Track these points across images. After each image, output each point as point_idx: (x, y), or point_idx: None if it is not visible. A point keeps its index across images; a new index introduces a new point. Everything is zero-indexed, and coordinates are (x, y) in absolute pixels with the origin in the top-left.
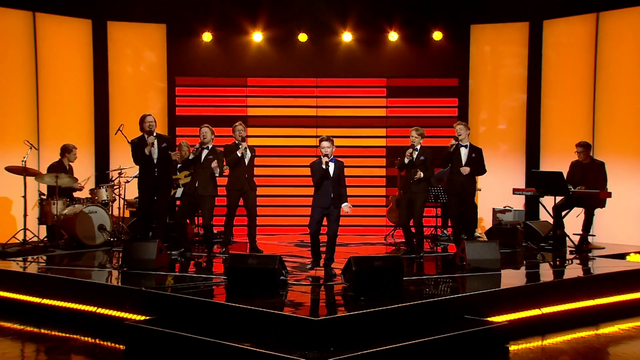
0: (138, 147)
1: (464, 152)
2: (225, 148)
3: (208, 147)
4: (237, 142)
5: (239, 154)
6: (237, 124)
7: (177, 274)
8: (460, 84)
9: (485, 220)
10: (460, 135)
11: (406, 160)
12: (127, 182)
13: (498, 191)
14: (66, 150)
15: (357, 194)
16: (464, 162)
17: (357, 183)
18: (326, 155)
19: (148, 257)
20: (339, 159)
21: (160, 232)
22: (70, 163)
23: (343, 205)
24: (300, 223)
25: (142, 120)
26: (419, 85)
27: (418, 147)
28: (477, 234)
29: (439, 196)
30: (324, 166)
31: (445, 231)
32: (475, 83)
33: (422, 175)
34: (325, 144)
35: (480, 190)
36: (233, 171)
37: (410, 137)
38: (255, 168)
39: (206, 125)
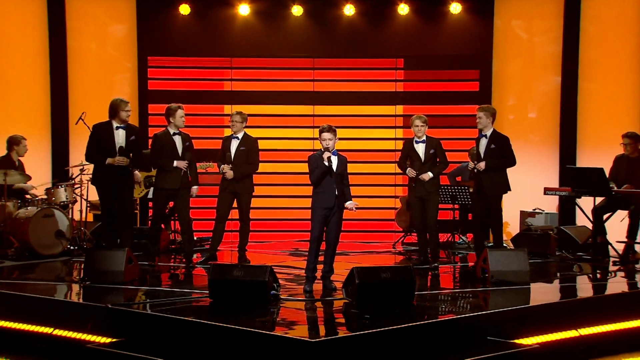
0: (101, 136)
1: (483, 142)
2: (223, 145)
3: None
4: (232, 134)
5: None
6: (233, 113)
7: (150, 288)
8: (482, 64)
9: (511, 225)
10: (480, 122)
11: (409, 173)
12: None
13: (527, 191)
14: (13, 142)
15: (360, 193)
16: (482, 155)
17: (360, 181)
18: (327, 148)
19: (115, 269)
20: (342, 154)
21: (129, 238)
22: (19, 157)
23: (347, 203)
24: (295, 228)
25: (119, 107)
26: (434, 68)
27: (424, 137)
28: None
29: (457, 196)
30: (325, 162)
31: (464, 237)
32: (499, 64)
33: (431, 175)
34: (326, 135)
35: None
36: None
37: (413, 128)
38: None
39: (179, 106)
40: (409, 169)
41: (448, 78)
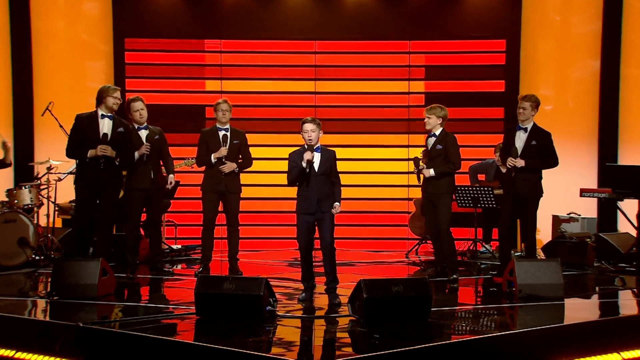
0: (85, 126)
1: (522, 137)
2: (200, 135)
3: (147, 126)
4: (217, 126)
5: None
6: (220, 101)
7: (128, 303)
8: (508, 47)
9: (542, 232)
10: (524, 114)
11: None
12: (59, 180)
13: (560, 193)
14: None
15: (367, 196)
16: (519, 152)
17: (368, 181)
18: (309, 144)
19: (88, 282)
20: (329, 149)
21: (105, 246)
22: None
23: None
24: (293, 235)
25: (106, 92)
26: (452, 50)
27: (437, 132)
28: None
29: (480, 198)
30: (304, 163)
31: (487, 245)
32: (529, 47)
33: (432, 172)
34: (308, 126)
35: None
36: (208, 166)
37: (425, 119)
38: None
39: (134, 98)
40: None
41: (470, 63)
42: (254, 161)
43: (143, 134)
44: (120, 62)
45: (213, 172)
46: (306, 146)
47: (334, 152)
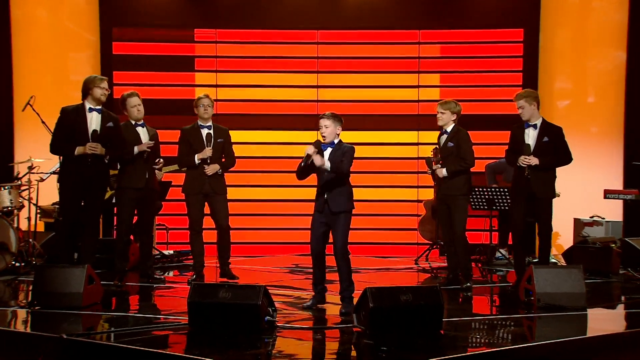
0: (71, 120)
1: (532, 134)
2: (181, 134)
3: (143, 123)
4: (199, 123)
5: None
6: (202, 96)
7: (116, 314)
8: (526, 37)
9: (562, 236)
10: (524, 113)
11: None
12: (42, 180)
13: (582, 194)
14: None
15: (374, 197)
16: (531, 150)
17: (374, 182)
18: (322, 141)
19: (73, 290)
20: (348, 145)
21: (91, 252)
22: None
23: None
24: (295, 239)
25: (92, 83)
26: (464, 40)
27: (449, 128)
28: (550, 256)
29: (495, 200)
30: (309, 151)
31: (503, 251)
32: (548, 37)
33: (445, 172)
34: (323, 121)
35: (559, 195)
36: (191, 167)
37: (438, 114)
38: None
39: (130, 93)
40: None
41: (484, 54)
42: (251, 160)
43: (141, 131)
44: (107, 53)
45: (196, 173)
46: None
47: (349, 148)
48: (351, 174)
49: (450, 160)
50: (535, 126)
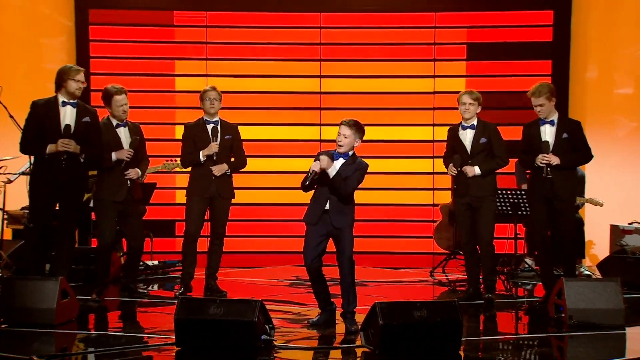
0: (42, 115)
1: (549, 131)
2: (184, 130)
3: (126, 122)
4: (205, 119)
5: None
6: (208, 88)
7: (93, 332)
8: (556, 18)
9: (597, 245)
10: (543, 110)
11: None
12: (9, 182)
13: (619, 198)
14: None
15: (383, 201)
16: (550, 147)
17: (384, 184)
18: (337, 150)
19: (44, 306)
20: (362, 161)
21: (66, 263)
22: None
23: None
24: (295, 249)
25: (67, 74)
26: (487, 24)
27: (474, 122)
28: (583, 268)
29: (521, 204)
30: (315, 167)
31: (530, 262)
32: (581, 17)
33: (477, 170)
34: (343, 129)
35: (602, 204)
36: (195, 165)
37: (460, 107)
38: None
39: (118, 90)
40: (450, 165)
41: (509, 39)
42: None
43: (123, 133)
44: (83, 38)
45: (201, 172)
46: (333, 152)
47: (362, 166)
48: None
49: (482, 157)
50: (552, 122)
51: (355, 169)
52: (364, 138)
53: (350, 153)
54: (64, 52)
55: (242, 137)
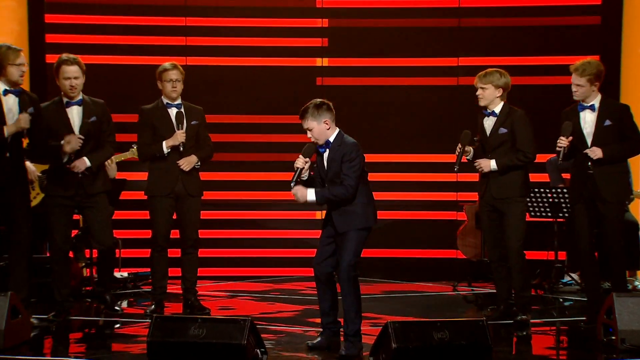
0: None
1: (589, 118)
2: (140, 115)
3: (81, 99)
4: (166, 102)
5: (180, 138)
6: (167, 66)
7: (50, 358)
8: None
9: None
10: (579, 92)
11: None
12: None
13: None
14: None
15: (395, 197)
16: (589, 140)
17: (395, 178)
18: (306, 149)
19: None
20: (347, 142)
21: (20, 276)
22: None
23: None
24: (291, 254)
25: (5, 58)
26: (520, 3)
27: (497, 108)
28: (638, 281)
29: (560, 205)
30: (298, 164)
31: (573, 274)
32: None
33: (493, 165)
34: (306, 124)
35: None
36: (157, 159)
37: (478, 91)
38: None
39: (67, 60)
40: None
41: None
42: (231, 153)
43: (75, 113)
44: (37, 26)
45: (165, 167)
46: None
47: (351, 145)
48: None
49: (503, 151)
50: (592, 107)
51: (340, 160)
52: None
53: (333, 137)
54: (14, 21)
55: (226, 127)
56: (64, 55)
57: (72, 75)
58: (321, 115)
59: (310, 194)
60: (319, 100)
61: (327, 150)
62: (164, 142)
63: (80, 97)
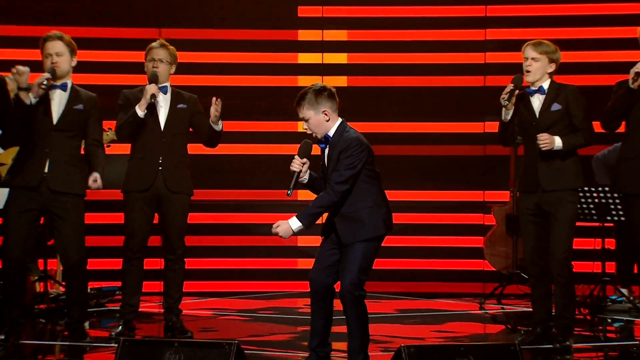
0: None
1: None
2: (120, 97)
3: (66, 83)
4: (150, 83)
5: (148, 104)
6: (154, 45)
7: None
8: None
9: None
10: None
11: (505, 112)
12: None
13: None
14: None
15: (410, 197)
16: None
17: (413, 173)
18: (302, 148)
19: None
20: (348, 134)
21: None
22: None
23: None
24: (285, 266)
25: None
26: None
27: (545, 85)
28: None
29: (609, 207)
30: (295, 167)
31: (624, 290)
32: None
33: (558, 142)
34: (302, 114)
35: None
36: (134, 146)
37: (524, 62)
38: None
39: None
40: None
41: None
42: (222, 154)
43: (57, 99)
44: None
45: (143, 160)
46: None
47: (350, 139)
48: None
49: (558, 131)
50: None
51: (337, 157)
52: (395, 130)
53: (333, 131)
54: None
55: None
56: (52, 33)
57: (54, 51)
58: (320, 103)
59: (294, 223)
60: (319, 84)
61: (327, 147)
62: (136, 107)
63: (67, 82)
